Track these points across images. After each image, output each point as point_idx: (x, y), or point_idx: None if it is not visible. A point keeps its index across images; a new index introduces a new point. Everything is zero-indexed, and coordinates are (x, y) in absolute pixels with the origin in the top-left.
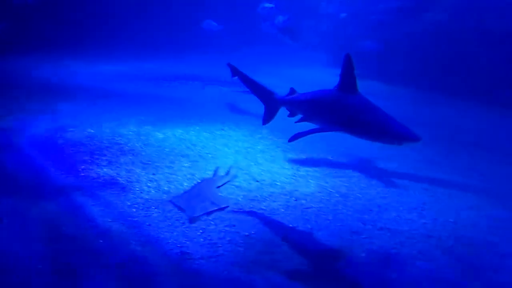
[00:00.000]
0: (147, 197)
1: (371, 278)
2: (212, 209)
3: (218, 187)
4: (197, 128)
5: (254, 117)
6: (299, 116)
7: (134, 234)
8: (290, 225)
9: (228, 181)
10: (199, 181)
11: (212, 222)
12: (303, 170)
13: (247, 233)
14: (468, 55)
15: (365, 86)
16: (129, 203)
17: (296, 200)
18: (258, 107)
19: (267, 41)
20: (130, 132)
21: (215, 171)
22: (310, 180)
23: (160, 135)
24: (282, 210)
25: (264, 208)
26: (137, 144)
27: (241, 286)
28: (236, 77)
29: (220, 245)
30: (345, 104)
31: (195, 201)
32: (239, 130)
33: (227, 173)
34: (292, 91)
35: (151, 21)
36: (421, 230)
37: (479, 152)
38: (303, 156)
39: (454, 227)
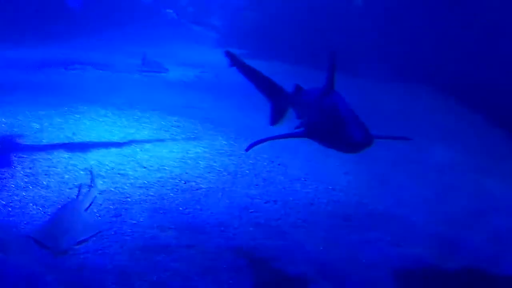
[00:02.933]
0: (24, 193)
1: (255, 249)
2: (82, 238)
3: (86, 209)
4: (78, 116)
5: (142, 101)
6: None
7: (11, 235)
8: (180, 208)
9: (95, 197)
10: (59, 206)
11: (97, 215)
12: (192, 152)
13: (135, 221)
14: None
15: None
16: (4, 202)
17: (185, 183)
18: (148, 90)
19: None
20: (2, 125)
21: (79, 189)
22: (199, 162)
23: (36, 126)
24: (172, 194)
25: (153, 194)
26: (9, 137)
27: (128, 274)
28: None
29: (106, 237)
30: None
31: (59, 231)
32: (124, 116)
33: (91, 187)
34: (298, 88)
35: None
36: (304, 200)
37: None
38: (192, 138)
39: (332, 193)
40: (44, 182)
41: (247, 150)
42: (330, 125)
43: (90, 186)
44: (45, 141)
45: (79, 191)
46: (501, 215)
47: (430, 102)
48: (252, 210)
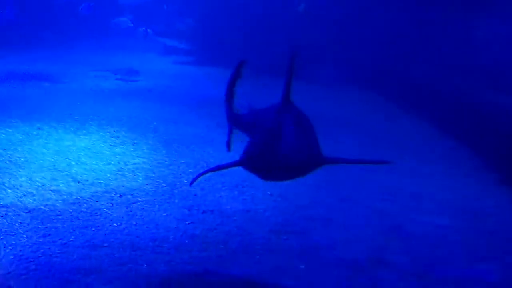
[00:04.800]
0: None
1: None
2: None
3: None
4: (10, 130)
5: (81, 112)
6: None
7: None
8: (114, 224)
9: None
10: None
11: (24, 236)
12: (131, 164)
13: (65, 241)
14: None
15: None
16: None
17: (121, 196)
18: (88, 101)
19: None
20: None
21: None
22: (137, 173)
23: None
24: (106, 209)
25: (85, 210)
26: None
27: None
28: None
29: (32, 260)
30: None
31: None
32: (61, 128)
33: None
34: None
35: None
36: (240, 207)
37: None
38: (131, 149)
39: (270, 198)
40: None
41: (190, 184)
42: (261, 151)
43: None
44: None
45: None
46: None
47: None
48: (188, 222)
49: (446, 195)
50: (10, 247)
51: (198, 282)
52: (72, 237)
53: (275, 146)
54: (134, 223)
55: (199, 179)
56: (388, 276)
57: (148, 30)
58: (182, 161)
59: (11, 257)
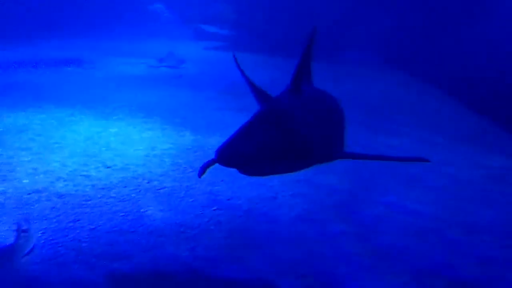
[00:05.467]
0: None
1: (214, 250)
2: None
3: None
4: (44, 116)
5: (112, 98)
6: None
7: None
8: (141, 210)
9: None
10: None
11: (54, 220)
12: (158, 150)
13: (93, 226)
14: None
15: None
16: None
17: (148, 182)
18: (119, 87)
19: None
20: None
21: (18, 227)
22: (165, 159)
23: None
24: (133, 195)
25: (114, 196)
26: None
27: (82, 285)
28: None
29: (62, 245)
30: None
31: None
32: (92, 114)
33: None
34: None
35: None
36: (268, 194)
37: None
38: (159, 135)
39: (298, 185)
40: (1, 188)
41: (199, 176)
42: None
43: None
44: (7, 144)
45: (18, 229)
46: None
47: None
48: (214, 208)
49: None
50: (42, 232)
51: (222, 270)
52: (101, 222)
53: (238, 142)
54: (161, 208)
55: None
56: None
57: (175, 16)
58: (209, 147)
59: (42, 241)
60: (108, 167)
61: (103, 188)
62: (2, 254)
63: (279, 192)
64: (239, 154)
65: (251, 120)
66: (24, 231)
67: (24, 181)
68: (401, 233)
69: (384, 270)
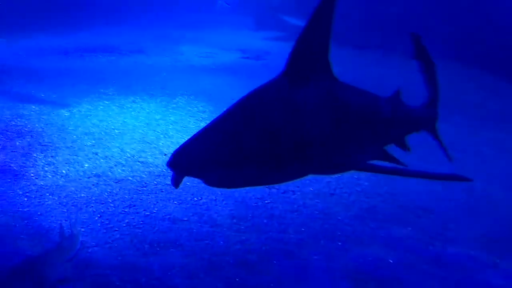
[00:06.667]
0: (42, 183)
1: (266, 244)
2: None
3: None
4: (107, 102)
5: (172, 86)
6: None
7: (23, 226)
8: (195, 199)
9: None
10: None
11: (111, 205)
12: None
13: (148, 213)
14: None
15: None
16: (20, 192)
17: None
18: (179, 75)
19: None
20: (32, 112)
21: (61, 230)
22: None
23: (65, 113)
24: (188, 183)
25: (169, 183)
26: (37, 125)
27: (135, 270)
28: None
29: (117, 229)
30: None
31: None
32: (152, 102)
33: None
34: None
35: None
36: (324, 189)
37: None
38: None
39: (356, 182)
40: (64, 171)
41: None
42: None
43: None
44: (71, 129)
45: (61, 231)
46: None
47: None
48: (268, 201)
49: None
50: (99, 215)
51: (274, 266)
52: (155, 209)
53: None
54: (214, 198)
55: None
56: None
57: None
58: None
59: (99, 225)
60: (165, 155)
61: (159, 175)
62: (46, 257)
63: (337, 189)
64: (193, 159)
65: (219, 117)
66: (71, 235)
67: (86, 165)
68: None
69: None
